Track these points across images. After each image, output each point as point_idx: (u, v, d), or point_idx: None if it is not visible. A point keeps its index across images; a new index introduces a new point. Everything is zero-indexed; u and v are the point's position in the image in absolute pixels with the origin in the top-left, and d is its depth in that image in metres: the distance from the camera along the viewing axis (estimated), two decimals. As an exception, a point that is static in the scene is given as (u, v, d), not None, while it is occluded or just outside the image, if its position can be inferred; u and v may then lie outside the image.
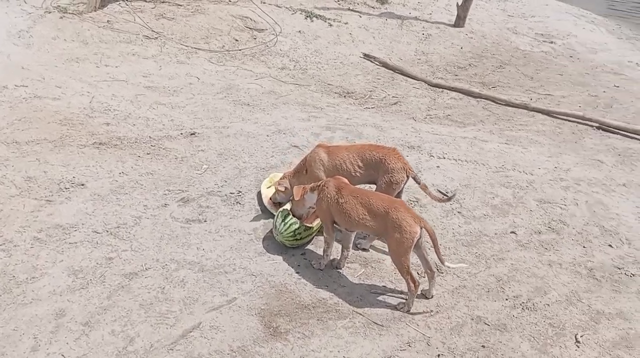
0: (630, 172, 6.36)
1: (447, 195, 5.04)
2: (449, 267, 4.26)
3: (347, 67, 8.80)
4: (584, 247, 4.94)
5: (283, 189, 4.91)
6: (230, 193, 5.28)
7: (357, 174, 4.65)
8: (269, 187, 5.22)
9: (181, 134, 6.25)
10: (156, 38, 8.41)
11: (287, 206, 4.80)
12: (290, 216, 4.57)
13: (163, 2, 9.53)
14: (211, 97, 7.25)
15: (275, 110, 7.03)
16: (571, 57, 10.65)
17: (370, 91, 8.08)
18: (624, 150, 6.84)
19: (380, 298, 4.24)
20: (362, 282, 4.38)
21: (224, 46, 8.69)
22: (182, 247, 4.58)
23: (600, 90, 8.94)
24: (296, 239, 4.57)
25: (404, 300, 4.15)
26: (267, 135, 6.29)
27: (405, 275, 4.01)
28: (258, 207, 5.14)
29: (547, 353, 3.82)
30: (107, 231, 4.67)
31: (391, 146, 4.94)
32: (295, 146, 6.10)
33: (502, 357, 3.78)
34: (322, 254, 4.46)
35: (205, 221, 4.91)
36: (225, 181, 5.46)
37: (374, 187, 4.75)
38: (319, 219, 4.73)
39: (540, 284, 4.47)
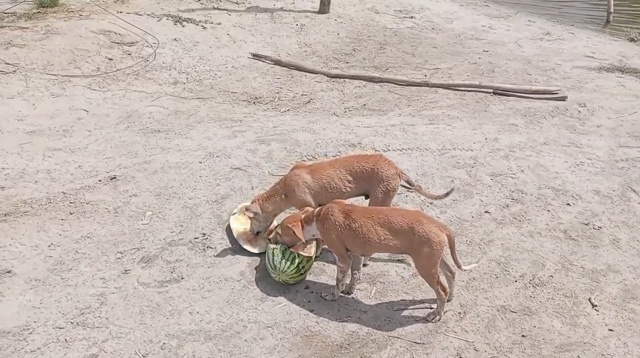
0: (541, 130, 6.87)
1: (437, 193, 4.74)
2: (465, 270, 4.16)
3: (241, 71, 8.26)
4: (548, 211, 5.21)
5: (252, 215, 4.42)
6: (195, 238, 4.63)
7: (348, 190, 4.33)
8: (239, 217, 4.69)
9: (99, 181, 5.33)
10: (14, 72, 7.07)
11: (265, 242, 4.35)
12: (288, 250, 4.12)
13: (2, 28, 8.07)
14: (112, 130, 6.30)
15: (192, 131, 6.34)
16: (434, 29, 11.20)
17: (277, 93, 7.69)
18: (525, 110, 7.36)
19: (406, 313, 4.03)
20: (380, 301, 4.13)
21: (99, 68, 7.60)
22: (172, 317, 3.91)
23: (475, 56, 9.53)
24: (300, 274, 4.16)
25: (432, 310, 4.00)
26: (200, 162, 5.64)
27: (436, 286, 3.84)
28: (232, 246, 4.58)
29: (579, 325, 3.95)
30: (72, 322, 3.80)
31: (375, 152, 4.68)
32: (237, 168, 5.55)
33: (544, 342, 3.82)
34: (334, 283, 4.10)
35: (182, 278, 4.24)
36: (181, 225, 4.78)
37: (357, 199, 4.49)
38: (312, 245, 4.35)
39: (534, 257, 4.61)
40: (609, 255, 4.67)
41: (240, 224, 4.68)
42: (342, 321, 3.93)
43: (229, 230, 4.72)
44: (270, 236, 4.33)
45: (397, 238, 3.76)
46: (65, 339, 3.66)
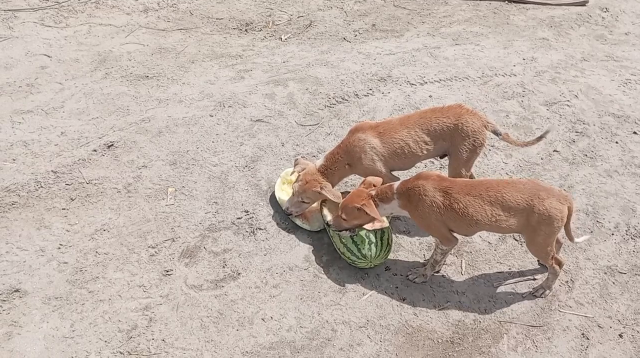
0: (571, 43, 6.20)
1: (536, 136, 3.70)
2: (577, 243, 3.59)
3: (220, -10, 6.97)
4: (616, 143, 4.68)
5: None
6: (237, 218, 3.83)
7: (425, 152, 3.57)
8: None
9: (94, 150, 4.32)
10: (-59, 9, 5.58)
11: (328, 217, 3.61)
12: (372, 232, 3.41)
13: None
14: (89, 80, 5.13)
15: (188, 75, 5.26)
16: None
17: (269, 15, 6.54)
18: (549, 20, 6.63)
19: (508, 290, 3.49)
20: (474, 277, 3.56)
21: (47, -3, 6.17)
22: (243, 328, 3.20)
23: (473, -44, 8.52)
24: (390, 250, 3.51)
25: (535, 281, 3.48)
26: (211, 116, 4.69)
27: (550, 261, 3.28)
28: (285, 224, 3.81)
29: (696, 282, 3.55)
30: (121, 352, 3.03)
31: (453, 103, 3.87)
32: (258, 120, 4.65)
33: (667, 306, 3.41)
34: (425, 262, 3.48)
35: (239, 274, 3.49)
36: (215, 203, 3.93)
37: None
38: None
39: (622, 202, 4.12)
40: (695, 192, 4.25)
41: (287, 195, 3.90)
42: (442, 308, 3.36)
43: (273, 203, 3.93)
44: (329, 221, 3.54)
45: (513, 218, 3.09)
46: (123, 377, 2.91)
